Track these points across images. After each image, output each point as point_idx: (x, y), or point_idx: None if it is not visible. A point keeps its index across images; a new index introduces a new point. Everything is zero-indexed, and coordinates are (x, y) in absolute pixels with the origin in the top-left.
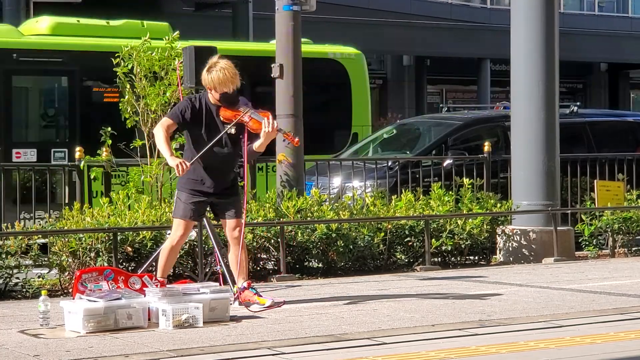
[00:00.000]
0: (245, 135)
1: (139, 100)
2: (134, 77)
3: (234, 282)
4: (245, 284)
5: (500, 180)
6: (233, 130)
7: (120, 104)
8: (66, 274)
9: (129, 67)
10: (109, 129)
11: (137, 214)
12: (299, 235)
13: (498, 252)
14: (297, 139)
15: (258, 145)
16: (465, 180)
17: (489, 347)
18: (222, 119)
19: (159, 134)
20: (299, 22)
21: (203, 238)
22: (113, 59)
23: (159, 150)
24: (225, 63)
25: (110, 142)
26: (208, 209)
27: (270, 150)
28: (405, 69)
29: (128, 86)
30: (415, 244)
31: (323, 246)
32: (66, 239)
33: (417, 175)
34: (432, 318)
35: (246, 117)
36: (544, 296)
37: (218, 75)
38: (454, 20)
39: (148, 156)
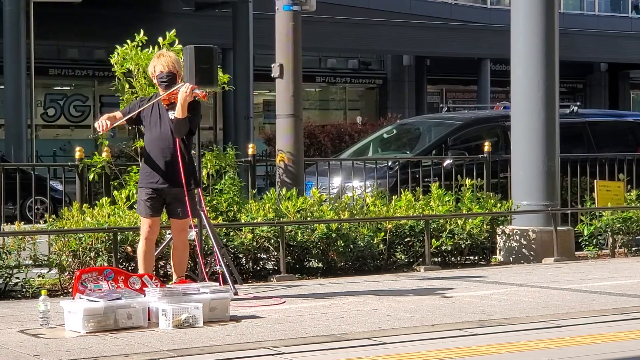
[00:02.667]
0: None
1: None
2: (132, 79)
3: (234, 282)
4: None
5: (500, 180)
6: (171, 114)
7: (121, 105)
8: (66, 273)
9: (126, 67)
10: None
11: (137, 214)
12: (299, 235)
13: (498, 252)
14: (204, 93)
15: (176, 110)
16: (466, 181)
17: (489, 347)
18: (164, 105)
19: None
20: (299, 22)
21: (203, 238)
22: (110, 58)
23: None
24: (166, 50)
25: (107, 142)
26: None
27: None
28: (405, 69)
29: (127, 85)
30: (415, 243)
31: (323, 246)
32: (66, 239)
33: (417, 175)
34: (432, 318)
35: (174, 93)
36: (544, 296)
37: (155, 60)
38: (454, 20)
39: None
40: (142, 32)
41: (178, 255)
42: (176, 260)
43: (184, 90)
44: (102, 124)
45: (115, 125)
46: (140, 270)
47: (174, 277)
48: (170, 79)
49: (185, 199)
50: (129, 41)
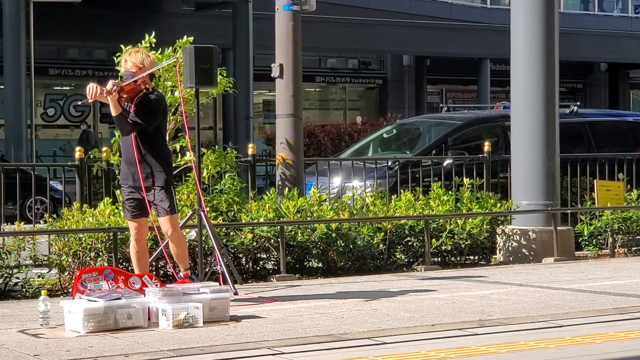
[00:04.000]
0: (132, 111)
1: None
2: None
3: (234, 282)
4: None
5: (500, 180)
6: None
7: None
8: (66, 273)
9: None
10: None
11: None
12: (299, 235)
13: (498, 252)
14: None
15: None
16: (465, 180)
17: (488, 347)
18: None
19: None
20: (299, 21)
21: (203, 238)
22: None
23: None
24: (137, 49)
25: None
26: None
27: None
28: (405, 68)
29: None
30: (415, 243)
31: (323, 246)
32: (66, 239)
33: (417, 175)
34: (432, 318)
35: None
36: (543, 296)
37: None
38: (454, 20)
39: None
40: (153, 33)
41: (173, 249)
42: (173, 254)
43: (109, 89)
44: (92, 89)
45: (98, 98)
46: (136, 271)
47: (181, 269)
48: (129, 75)
49: (146, 198)
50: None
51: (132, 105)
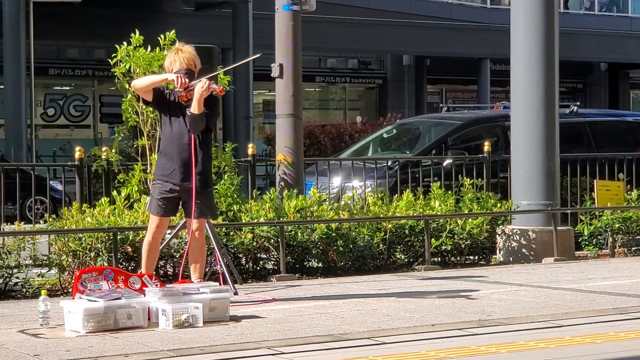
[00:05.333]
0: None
1: (139, 100)
2: (133, 77)
3: (234, 282)
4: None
5: (500, 180)
6: (189, 111)
7: (122, 104)
8: (66, 273)
9: (127, 67)
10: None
11: (137, 214)
12: (299, 235)
13: (498, 251)
14: (222, 88)
15: (192, 105)
16: (466, 181)
17: (488, 347)
18: (181, 101)
19: (141, 77)
20: (299, 21)
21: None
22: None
23: (158, 148)
24: (183, 45)
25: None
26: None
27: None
28: (405, 68)
29: (127, 86)
30: (415, 243)
31: (323, 246)
32: (66, 239)
33: (417, 175)
34: (432, 318)
35: (192, 88)
36: (543, 296)
37: (173, 55)
38: (454, 20)
39: (148, 155)
40: (137, 32)
41: (194, 256)
42: (192, 260)
43: (200, 86)
44: (181, 79)
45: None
46: (143, 264)
47: (193, 278)
48: (189, 76)
49: (194, 199)
50: (125, 43)
51: (196, 104)
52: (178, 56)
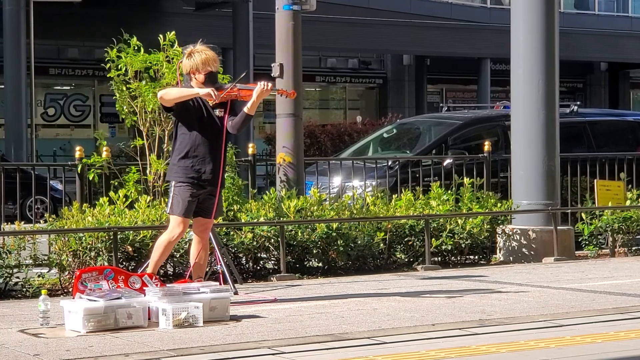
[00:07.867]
0: (226, 116)
1: (135, 99)
2: (128, 78)
3: (234, 282)
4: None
5: (500, 179)
6: (218, 112)
7: (116, 104)
8: (66, 273)
9: (120, 68)
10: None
11: (137, 213)
12: (299, 234)
13: (498, 251)
14: (292, 91)
15: (250, 106)
16: (466, 180)
17: (489, 347)
18: (210, 102)
19: (170, 89)
20: (299, 21)
21: None
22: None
23: (158, 148)
24: (206, 47)
25: (105, 143)
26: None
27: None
28: (405, 68)
29: (123, 87)
30: (415, 243)
31: (323, 245)
32: (66, 239)
33: (417, 175)
34: (432, 317)
35: (235, 91)
36: (544, 295)
37: (201, 56)
38: (454, 20)
39: (147, 155)
40: (134, 37)
41: (202, 255)
42: (200, 260)
43: (261, 87)
44: (214, 95)
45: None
46: (152, 263)
47: (194, 276)
48: (212, 79)
49: (216, 198)
50: (113, 44)
51: (228, 108)
52: (199, 59)
